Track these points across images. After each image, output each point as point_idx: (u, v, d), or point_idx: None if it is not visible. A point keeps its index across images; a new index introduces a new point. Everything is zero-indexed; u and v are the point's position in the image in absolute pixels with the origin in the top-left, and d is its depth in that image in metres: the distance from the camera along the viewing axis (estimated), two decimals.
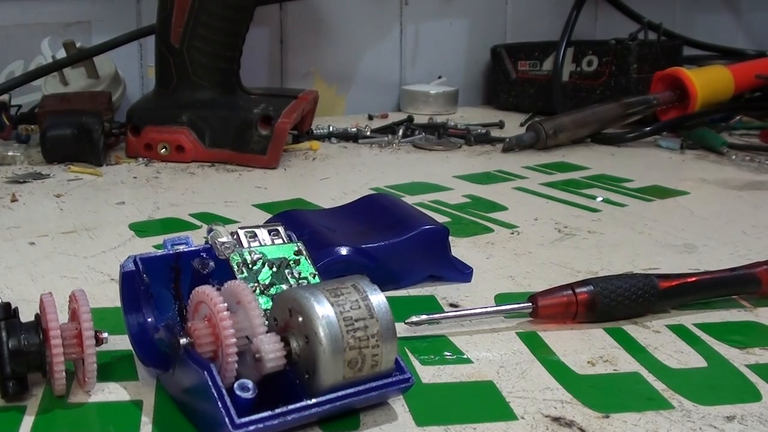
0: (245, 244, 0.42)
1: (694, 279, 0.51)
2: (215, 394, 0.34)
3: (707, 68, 1.13)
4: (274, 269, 0.41)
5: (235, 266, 0.41)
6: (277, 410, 0.35)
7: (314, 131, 1.04)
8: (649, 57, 1.14)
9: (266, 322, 0.38)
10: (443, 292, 0.54)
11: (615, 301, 0.48)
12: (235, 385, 0.35)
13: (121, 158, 0.91)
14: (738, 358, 0.45)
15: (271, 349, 0.36)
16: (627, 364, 0.44)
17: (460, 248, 0.62)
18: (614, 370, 0.44)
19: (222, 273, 0.41)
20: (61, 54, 1.00)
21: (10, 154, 0.88)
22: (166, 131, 0.90)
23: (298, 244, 0.43)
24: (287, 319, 0.37)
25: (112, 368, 0.43)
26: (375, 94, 1.27)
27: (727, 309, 0.52)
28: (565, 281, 0.50)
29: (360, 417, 0.39)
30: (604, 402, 0.40)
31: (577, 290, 0.48)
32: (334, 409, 0.36)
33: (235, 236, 0.42)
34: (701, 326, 0.49)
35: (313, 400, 0.36)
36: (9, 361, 0.38)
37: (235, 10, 0.88)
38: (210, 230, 0.41)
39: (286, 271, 0.41)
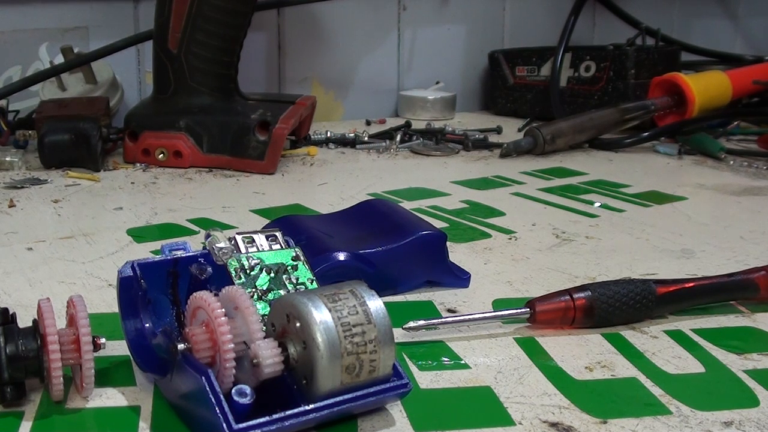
0: (243, 250, 0.42)
1: (691, 284, 0.51)
2: (213, 400, 0.34)
3: (705, 74, 1.13)
4: (272, 275, 0.41)
5: (233, 272, 0.41)
6: (275, 416, 0.35)
7: (312, 137, 1.04)
8: (646, 62, 1.15)
9: (264, 328, 0.38)
10: (441, 297, 0.54)
11: (613, 307, 0.48)
12: (233, 391, 0.35)
13: (119, 164, 0.91)
14: (736, 363, 0.45)
15: (268, 355, 0.36)
16: (625, 369, 0.44)
17: (458, 254, 0.62)
18: (612, 375, 0.44)
19: (220, 278, 0.41)
20: (59, 59, 1.00)
21: (7, 159, 0.88)
22: (164, 137, 0.90)
23: (296, 249, 0.43)
24: (285, 324, 0.37)
25: (109, 374, 0.43)
26: (373, 100, 1.28)
27: (724, 314, 0.52)
28: (562, 287, 0.50)
29: (358, 422, 0.39)
30: (601, 407, 0.40)
31: (575, 296, 0.48)
32: (332, 414, 0.36)
33: (232, 242, 0.42)
34: (699, 332, 0.49)
35: (311, 406, 0.36)
36: (7, 367, 0.38)
37: (232, 15, 0.88)
38: (208, 236, 0.41)
39: (284, 276, 0.41)
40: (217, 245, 0.41)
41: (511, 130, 1.15)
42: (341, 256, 0.51)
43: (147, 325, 0.42)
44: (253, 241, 0.43)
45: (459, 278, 0.56)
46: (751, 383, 0.43)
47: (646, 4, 1.41)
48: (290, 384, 0.37)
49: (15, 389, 0.38)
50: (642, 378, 0.43)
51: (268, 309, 0.39)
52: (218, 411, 0.34)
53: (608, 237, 0.67)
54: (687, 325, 0.50)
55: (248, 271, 0.41)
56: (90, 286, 0.55)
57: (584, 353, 0.46)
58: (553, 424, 0.38)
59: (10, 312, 0.40)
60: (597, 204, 0.77)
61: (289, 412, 0.35)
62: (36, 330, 0.39)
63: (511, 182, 0.86)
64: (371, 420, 0.39)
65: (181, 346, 0.36)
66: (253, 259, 0.41)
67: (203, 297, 0.37)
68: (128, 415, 0.39)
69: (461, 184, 0.85)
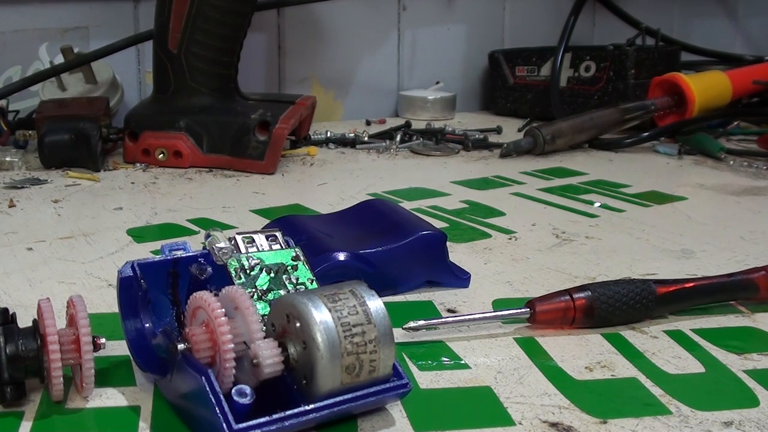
0: (243, 250, 0.42)
1: (691, 284, 0.51)
2: (213, 400, 0.34)
3: (705, 74, 1.13)
4: (272, 275, 0.41)
5: (233, 272, 0.41)
6: (275, 416, 0.35)
7: (312, 137, 1.04)
8: (646, 62, 1.15)
9: (264, 328, 0.38)
10: (441, 297, 0.54)
11: (613, 307, 0.48)
12: (233, 391, 0.35)
13: (119, 164, 0.91)
14: (736, 363, 0.45)
15: (268, 355, 0.36)
16: (625, 369, 0.44)
17: (458, 254, 0.62)
18: (612, 375, 0.44)
19: (220, 278, 0.41)
20: (59, 59, 1.00)
21: (7, 159, 0.88)
22: (164, 137, 0.90)
23: (296, 249, 0.43)
24: (285, 324, 0.37)
25: (109, 374, 0.43)
26: (373, 100, 1.28)
27: (724, 314, 0.52)
28: (562, 287, 0.50)
29: (358, 422, 0.39)
30: (601, 407, 0.40)
31: (575, 296, 0.48)
32: (332, 414, 0.36)
33: (232, 242, 0.42)
34: (699, 332, 0.49)
35: (311, 406, 0.36)
36: (7, 367, 0.38)
37: (232, 15, 0.88)
38: (208, 236, 0.41)
39: (284, 276, 0.41)
40: (217, 245, 0.41)
41: (511, 130, 1.15)
42: (341, 256, 0.51)
43: (147, 325, 0.42)
44: (253, 241, 0.43)
45: (459, 278, 0.56)
46: (751, 383, 0.43)
47: (646, 4, 1.41)
48: (290, 384, 0.37)
49: (15, 389, 0.38)
50: (642, 378, 0.43)
51: (268, 309, 0.39)
52: (218, 411, 0.34)
53: (608, 237, 0.67)
54: (687, 325, 0.50)
55: (248, 271, 0.41)
56: (90, 286, 0.55)
57: (584, 353, 0.46)
58: (553, 424, 0.38)
59: (10, 312, 0.40)
60: (597, 204, 0.77)
61: (289, 412, 0.35)
62: (36, 330, 0.39)
63: (511, 182, 0.86)
64: (371, 420, 0.39)
65: (181, 346, 0.36)
66: (253, 259, 0.41)
67: (203, 297, 0.37)
68: (128, 415, 0.39)
69: (461, 184, 0.85)
